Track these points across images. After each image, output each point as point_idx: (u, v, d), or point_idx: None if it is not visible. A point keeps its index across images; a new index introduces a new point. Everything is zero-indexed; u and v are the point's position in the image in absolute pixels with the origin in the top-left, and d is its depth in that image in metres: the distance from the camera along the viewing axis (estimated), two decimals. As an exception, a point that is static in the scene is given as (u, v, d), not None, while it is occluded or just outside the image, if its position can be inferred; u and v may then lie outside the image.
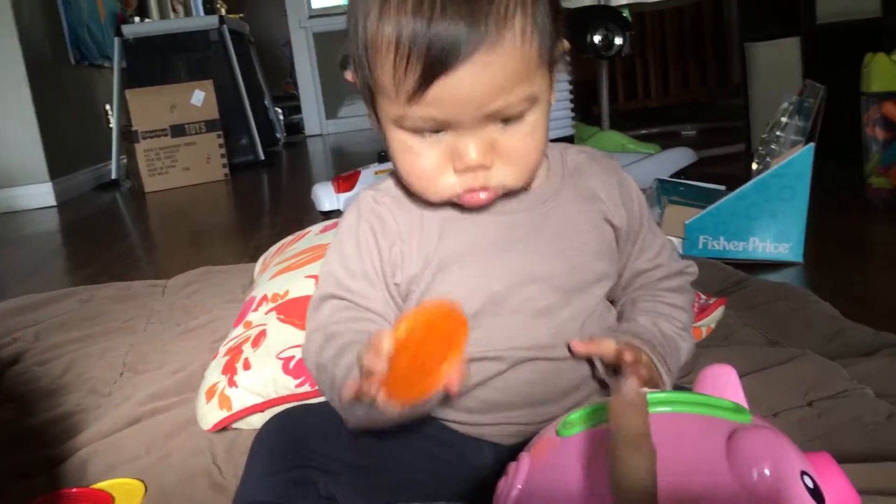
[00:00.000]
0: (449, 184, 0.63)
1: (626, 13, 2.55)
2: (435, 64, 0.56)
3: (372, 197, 0.69)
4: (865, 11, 2.05)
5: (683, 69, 4.18)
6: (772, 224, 1.42)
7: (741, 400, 0.49)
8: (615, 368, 0.65)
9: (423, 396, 0.53)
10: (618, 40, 2.19)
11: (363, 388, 0.53)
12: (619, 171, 0.73)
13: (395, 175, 0.69)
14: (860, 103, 1.74)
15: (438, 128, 0.60)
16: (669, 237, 1.44)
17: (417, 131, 0.61)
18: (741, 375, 0.89)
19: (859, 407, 0.82)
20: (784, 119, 1.61)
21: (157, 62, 4.13)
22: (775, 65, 2.45)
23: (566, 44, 0.65)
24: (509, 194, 0.66)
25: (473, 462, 0.68)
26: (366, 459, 0.66)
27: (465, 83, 0.56)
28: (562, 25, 0.63)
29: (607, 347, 0.64)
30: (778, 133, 1.61)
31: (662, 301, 0.72)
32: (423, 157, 0.62)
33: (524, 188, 0.66)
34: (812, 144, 1.40)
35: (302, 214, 2.39)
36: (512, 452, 0.65)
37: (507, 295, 0.65)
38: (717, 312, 1.00)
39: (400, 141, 0.63)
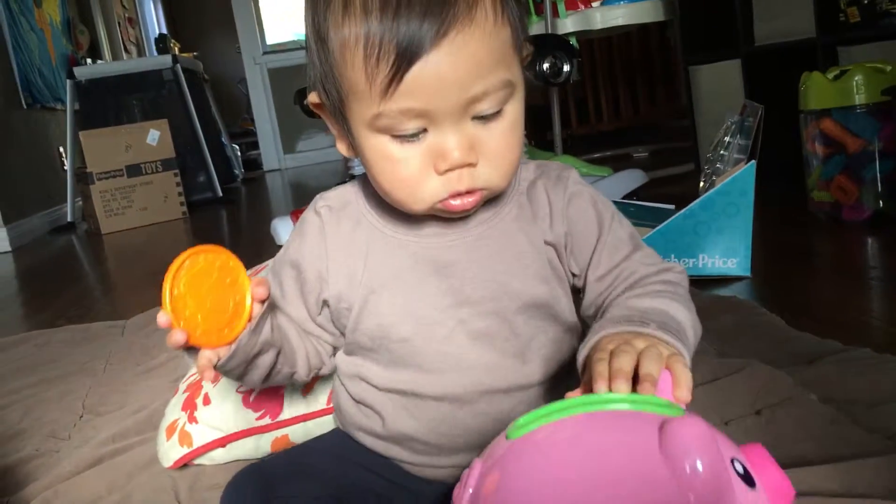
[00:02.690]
0: (432, 189, 0.59)
1: (573, 41, 2.62)
2: (408, 49, 0.53)
3: (313, 209, 0.69)
4: (800, 32, 2.13)
5: (634, 93, 4.28)
6: (719, 240, 1.46)
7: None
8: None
9: (228, 337, 0.60)
10: (566, 67, 2.24)
11: (170, 342, 0.59)
12: (572, 184, 0.67)
13: (351, 184, 0.69)
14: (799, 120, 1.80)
15: (417, 125, 0.56)
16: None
17: (395, 134, 0.57)
18: (692, 388, 0.93)
19: (805, 412, 0.85)
20: (727, 138, 1.66)
21: (110, 103, 4.13)
22: (718, 86, 2.52)
23: (530, 47, 0.62)
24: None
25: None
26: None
27: (442, 65, 0.54)
28: (526, 23, 0.62)
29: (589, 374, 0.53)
30: (722, 152, 1.66)
31: (631, 295, 0.62)
32: (402, 163, 0.58)
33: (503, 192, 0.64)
34: (754, 162, 1.45)
35: (261, 249, 2.39)
36: None
37: (438, 320, 0.64)
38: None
39: (376, 148, 0.59)
